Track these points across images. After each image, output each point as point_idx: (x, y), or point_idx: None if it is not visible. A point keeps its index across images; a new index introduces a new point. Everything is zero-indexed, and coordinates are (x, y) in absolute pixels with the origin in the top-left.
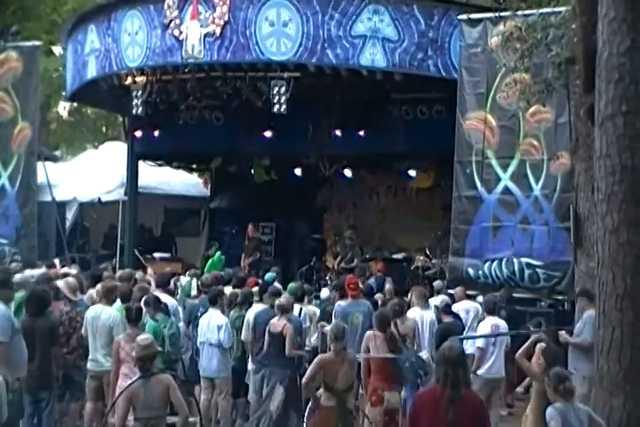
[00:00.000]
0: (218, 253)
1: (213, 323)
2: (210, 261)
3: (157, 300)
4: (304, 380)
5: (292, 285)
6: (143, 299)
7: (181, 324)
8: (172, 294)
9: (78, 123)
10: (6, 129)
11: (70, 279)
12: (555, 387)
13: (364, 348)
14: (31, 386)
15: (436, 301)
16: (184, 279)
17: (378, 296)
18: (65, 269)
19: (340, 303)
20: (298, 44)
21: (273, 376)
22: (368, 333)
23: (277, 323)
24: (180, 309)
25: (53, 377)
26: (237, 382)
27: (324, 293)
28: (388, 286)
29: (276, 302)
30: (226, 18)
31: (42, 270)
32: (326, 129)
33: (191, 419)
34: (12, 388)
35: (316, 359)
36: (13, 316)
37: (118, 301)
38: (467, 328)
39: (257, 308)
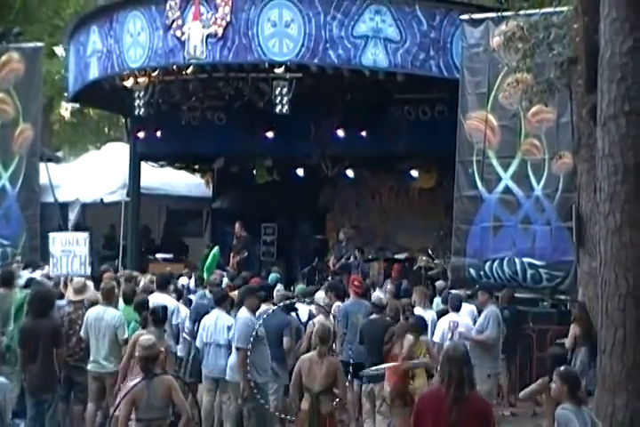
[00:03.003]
0: (214, 250)
1: (222, 323)
2: (207, 261)
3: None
4: (291, 386)
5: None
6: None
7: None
8: (181, 293)
9: (80, 124)
10: (7, 130)
11: (75, 280)
12: (571, 391)
13: None
14: (34, 388)
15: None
16: (183, 280)
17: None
18: None
19: (339, 304)
20: (300, 44)
21: None
22: None
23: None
24: None
25: (56, 379)
26: None
27: (319, 294)
28: (389, 286)
29: (321, 302)
30: (228, 19)
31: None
32: (328, 129)
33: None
34: None
35: (298, 362)
36: (13, 317)
37: (120, 302)
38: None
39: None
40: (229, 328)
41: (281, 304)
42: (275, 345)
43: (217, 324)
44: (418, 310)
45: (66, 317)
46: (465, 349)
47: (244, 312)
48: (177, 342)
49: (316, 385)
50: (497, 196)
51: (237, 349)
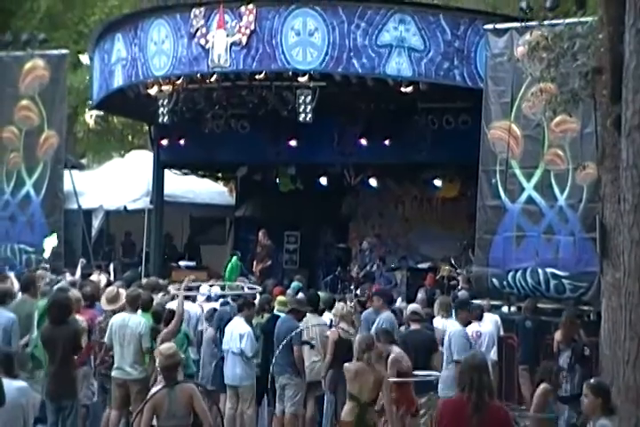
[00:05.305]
0: (234, 258)
1: (237, 331)
2: (228, 267)
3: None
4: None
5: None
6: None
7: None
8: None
9: (105, 131)
10: (32, 137)
11: (108, 289)
12: (605, 404)
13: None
14: (53, 394)
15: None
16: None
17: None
18: (94, 277)
19: (368, 311)
20: (324, 53)
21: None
22: None
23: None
24: None
25: (76, 385)
26: (258, 390)
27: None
28: (420, 295)
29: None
30: (252, 27)
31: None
32: (352, 138)
33: None
34: None
35: (345, 370)
36: (36, 324)
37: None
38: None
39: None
40: (242, 337)
41: (291, 310)
42: (287, 351)
43: (233, 332)
44: (439, 321)
45: (97, 325)
46: (484, 357)
47: (456, 325)
48: (198, 350)
49: (365, 395)
50: (520, 206)
51: (456, 362)
